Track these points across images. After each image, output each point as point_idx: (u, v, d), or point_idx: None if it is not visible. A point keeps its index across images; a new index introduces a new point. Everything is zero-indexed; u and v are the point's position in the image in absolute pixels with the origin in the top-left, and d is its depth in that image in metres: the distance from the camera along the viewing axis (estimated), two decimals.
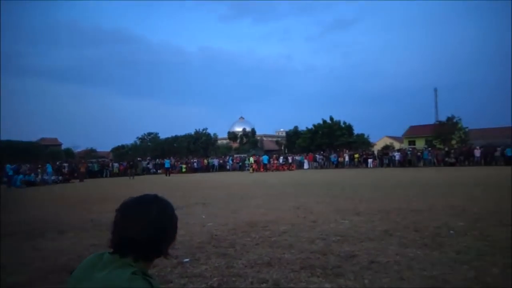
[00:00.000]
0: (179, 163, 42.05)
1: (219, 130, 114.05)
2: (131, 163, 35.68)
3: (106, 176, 35.75)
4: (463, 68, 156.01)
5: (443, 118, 48.94)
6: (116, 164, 40.25)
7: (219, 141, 72.99)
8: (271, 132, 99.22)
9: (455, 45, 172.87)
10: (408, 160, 34.37)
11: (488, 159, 31.83)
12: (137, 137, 68.89)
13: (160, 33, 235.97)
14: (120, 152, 64.60)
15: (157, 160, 44.70)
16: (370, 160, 36.37)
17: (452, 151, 34.50)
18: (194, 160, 43.16)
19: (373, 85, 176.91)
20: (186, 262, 4.62)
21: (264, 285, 3.74)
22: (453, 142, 44.68)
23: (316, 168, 38.45)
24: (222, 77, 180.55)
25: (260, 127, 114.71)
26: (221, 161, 42.83)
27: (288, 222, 7.12)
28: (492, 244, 4.95)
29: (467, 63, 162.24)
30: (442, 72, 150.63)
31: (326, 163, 39.22)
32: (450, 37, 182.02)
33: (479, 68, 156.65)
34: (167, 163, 36.31)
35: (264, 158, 37.23)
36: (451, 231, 5.79)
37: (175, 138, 66.07)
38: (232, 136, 72.27)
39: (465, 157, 33.08)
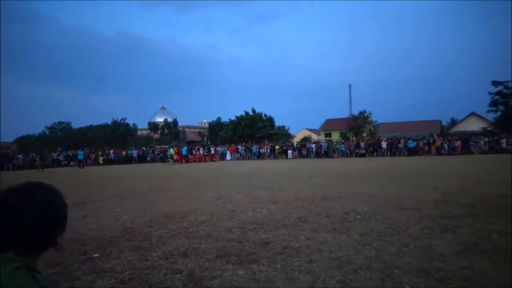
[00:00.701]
0: (93, 154, 39.50)
1: (139, 120, 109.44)
2: (38, 155, 32.65)
3: (8, 170, 32.28)
4: (374, 66, 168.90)
5: (356, 112, 52.62)
6: (20, 156, 36.58)
7: (139, 132, 70.12)
8: (194, 123, 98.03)
9: (368, 44, 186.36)
10: (324, 151, 36.38)
11: (393, 150, 35.00)
12: (46, 127, 63.42)
13: (72, 14, 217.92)
14: (25, 142, 58.81)
15: (69, 151, 41.51)
16: (289, 151, 37.80)
17: (363, 143, 37.30)
18: (111, 152, 40.92)
19: (294, 79, 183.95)
20: (96, 257, 4.37)
21: (178, 275, 3.68)
22: (364, 134, 48.34)
23: (238, 159, 38.91)
24: (142, 65, 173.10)
25: (182, 118, 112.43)
26: (140, 153, 41.17)
27: (207, 212, 7.10)
28: (391, 226, 5.45)
29: (378, 62, 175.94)
30: (356, 70, 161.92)
31: (248, 154, 39.88)
32: (363, 37, 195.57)
33: (387, 67, 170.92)
34: (80, 154, 33.90)
35: (184, 149, 36.59)
36: (358, 216, 6.26)
37: (90, 128, 61.96)
38: (153, 126, 69.82)
39: (373, 149, 35.95)
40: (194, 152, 38.47)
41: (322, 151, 36.42)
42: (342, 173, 15.61)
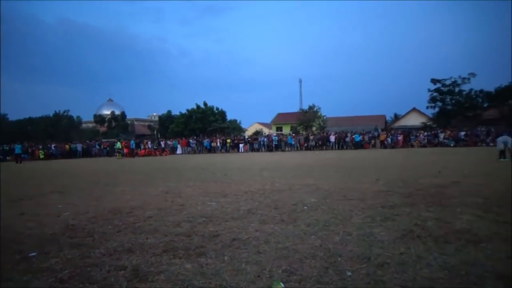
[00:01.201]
0: (33, 149, 37.07)
1: (84, 113, 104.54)
2: None
3: None
4: (323, 62, 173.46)
5: (306, 106, 53.86)
6: None
7: (84, 125, 66.89)
8: (143, 116, 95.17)
9: (318, 39, 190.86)
10: (275, 145, 36.91)
11: (341, 143, 36.27)
12: None
13: None
14: None
15: (5, 145, 38.63)
16: (241, 145, 37.94)
17: (312, 136, 38.28)
18: (53, 145, 38.65)
19: (246, 72, 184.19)
20: (33, 256, 4.12)
21: (122, 272, 3.56)
22: (314, 128, 49.67)
23: (189, 153, 38.41)
24: (87, 54, 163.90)
25: (131, 111, 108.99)
26: (85, 147, 39.27)
27: (155, 207, 6.94)
28: (336, 216, 5.66)
29: (327, 57, 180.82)
30: (307, 65, 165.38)
31: (199, 148, 39.47)
32: (313, 32, 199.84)
33: (336, 63, 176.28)
34: (17, 148, 31.60)
35: (131, 143, 35.45)
36: (305, 207, 6.42)
37: (30, 121, 58.15)
38: (99, 119, 66.84)
39: (322, 142, 37.04)
40: (143, 146, 37.42)
41: (273, 145, 36.96)
42: (292, 166, 15.93)
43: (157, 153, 36.19)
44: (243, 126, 64.13)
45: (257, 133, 54.89)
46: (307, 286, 3.07)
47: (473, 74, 46.03)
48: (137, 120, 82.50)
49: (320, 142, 36.84)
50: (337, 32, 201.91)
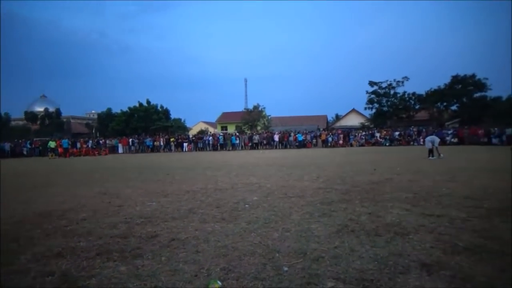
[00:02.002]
0: None
1: (13, 109, 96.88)
2: None
3: None
4: (268, 62, 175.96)
5: (251, 106, 54.28)
6: None
7: (13, 122, 61.87)
8: (80, 113, 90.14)
9: (263, 40, 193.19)
10: (220, 144, 36.80)
11: (284, 143, 37.01)
12: None
13: None
14: None
15: None
16: (185, 144, 37.34)
17: (257, 136, 38.69)
18: None
19: (190, 71, 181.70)
20: None
21: (50, 278, 3.34)
22: (259, 128, 50.22)
23: (131, 152, 37.07)
24: (18, 47, 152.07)
25: (67, 108, 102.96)
26: (13, 146, 36.36)
27: (90, 209, 6.60)
28: (277, 213, 5.75)
29: (272, 58, 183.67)
30: (252, 64, 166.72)
31: (141, 148, 38.23)
32: (259, 33, 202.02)
33: (280, 63, 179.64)
34: None
35: (64, 142, 33.38)
36: (246, 205, 6.46)
37: None
38: (31, 116, 62.16)
39: (267, 141, 37.57)
40: (80, 145, 35.47)
41: (219, 144, 36.82)
42: (236, 165, 15.96)
43: (96, 152, 34.50)
44: (187, 125, 63.22)
45: (202, 132, 54.31)
46: (244, 283, 3.08)
47: (407, 78, 49.29)
48: (73, 117, 77.92)
49: (264, 141, 37.34)
50: (282, 32, 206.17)
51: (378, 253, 3.67)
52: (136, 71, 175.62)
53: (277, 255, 3.74)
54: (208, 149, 37.16)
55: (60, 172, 15.62)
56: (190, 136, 43.17)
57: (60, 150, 31.97)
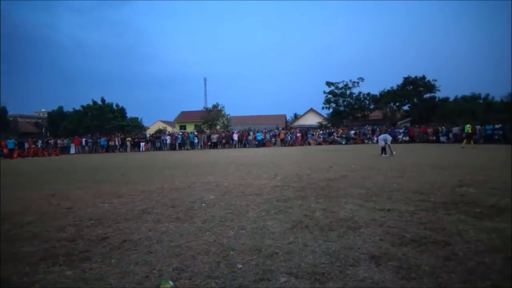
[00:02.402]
0: None
1: None
2: None
3: None
4: (228, 61, 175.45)
5: (210, 105, 53.89)
6: None
7: None
8: (29, 112, 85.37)
9: (223, 39, 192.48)
10: (179, 143, 36.24)
11: (244, 142, 37.07)
12: None
13: None
14: None
15: None
16: (142, 144, 36.40)
17: (217, 135, 38.47)
18: None
19: (148, 69, 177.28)
20: None
21: None
22: (218, 127, 49.94)
23: (84, 152, 35.60)
24: None
25: (13, 106, 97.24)
26: None
27: (37, 212, 6.24)
28: (233, 211, 5.72)
29: (231, 57, 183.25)
30: (211, 63, 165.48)
31: (95, 148, 36.82)
32: (219, 32, 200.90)
33: (240, 62, 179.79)
34: None
35: (9, 143, 31.37)
36: (203, 204, 6.38)
37: None
38: None
39: (226, 141, 37.45)
40: (27, 146, 33.55)
41: (177, 143, 36.23)
42: (194, 165, 15.77)
43: (45, 153, 32.80)
44: (145, 124, 61.75)
45: (160, 132, 53.21)
46: (197, 282, 3.03)
47: (362, 79, 50.98)
48: (21, 116, 73.70)
49: (223, 141, 37.19)
50: (242, 32, 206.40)
51: (330, 247, 3.75)
52: (91, 68, 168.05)
53: (232, 253, 3.72)
54: (166, 148, 36.45)
55: (4, 173, 14.66)
56: (148, 136, 42.12)
57: (5, 151, 30.05)
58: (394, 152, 17.12)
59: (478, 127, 30.25)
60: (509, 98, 38.45)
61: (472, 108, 42.62)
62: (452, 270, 3.07)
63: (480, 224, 4.51)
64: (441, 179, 8.62)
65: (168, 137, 38.11)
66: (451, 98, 49.41)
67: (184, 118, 62.73)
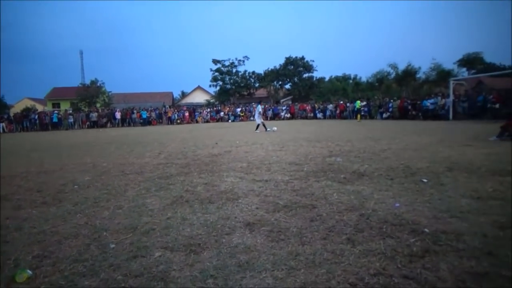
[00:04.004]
0: None
1: None
2: None
3: None
4: (105, 34, 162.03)
5: (88, 81, 49.40)
6: None
7: None
8: None
9: (99, 10, 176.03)
10: (46, 124, 32.65)
11: (127, 120, 35.16)
12: None
13: None
14: None
15: None
16: (3, 124, 31.80)
17: (95, 113, 35.64)
18: None
19: (11, 39, 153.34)
20: None
21: None
22: (98, 105, 46.21)
23: None
24: None
25: None
26: None
27: None
28: (110, 191, 5.39)
29: (109, 29, 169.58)
30: (88, 36, 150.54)
31: None
32: (93, 2, 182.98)
33: (118, 36, 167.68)
34: None
35: None
36: (76, 186, 5.87)
37: None
38: None
39: (107, 119, 35.02)
40: None
41: (50, 123, 32.58)
42: (70, 145, 14.40)
43: None
44: (7, 102, 53.88)
45: (28, 110, 47.01)
46: (62, 267, 2.78)
47: (247, 57, 52.33)
48: None
49: (105, 120, 34.71)
50: (123, 3, 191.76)
51: (208, 219, 3.80)
52: None
53: (105, 233, 3.51)
54: (35, 129, 32.47)
55: None
56: (11, 115, 36.86)
57: None
58: (275, 128, 18.20)
59: (348, 104, 33.90)
60: (373, 78, 43.63)
61: (344, 87, 47.44)
62: (316, 229, 3.39)
63: (343, 188, 5.06)
64: (314, 150, 9.43)
65: (36, 116, 33.93)
66: (327, 78, 54.11)
67: (57, 95, 56.35)
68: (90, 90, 46.04)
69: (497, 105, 22.30)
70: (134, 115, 35.36)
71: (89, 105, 45.22)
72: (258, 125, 18.41)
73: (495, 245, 2.87)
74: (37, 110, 42.06)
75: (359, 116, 28.95)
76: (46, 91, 58.16)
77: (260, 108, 19.93)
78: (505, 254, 2.69)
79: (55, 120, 33.18)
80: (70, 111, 37.80)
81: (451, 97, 24.59)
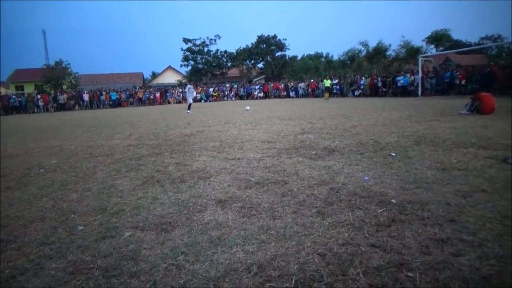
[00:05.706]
0: None
1: None
2: None
3: None
4: (71, 12, 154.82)
5: (52, 62, 47.36)
6: None
7: None
8: None
9: None
10: (11, 107, 31.32)
11: (96, 102, 34.13)
12: None
13: None
14: None
15: None
16: None
17: (63, 95, 34.36)
18: None
19: None
20: None
21: None
22: (65, 87, 44.55)
23: None
24: None
25: None
26: None
27: None
28: (78, 174, 5.25)
29: (74, 7, 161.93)
30: (52, 14, 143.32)
31: None
32: None
33: (86, 15, 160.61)
34: None
35: None
36: (41, 169, 5.69)
37: None
38: None
39: (75, 101, 33.85)
40: None
41: (13, 107, 31.23)
42: (36, 129, 13.87)
43: None
44: None
45: None
46: (27, 251, 2.70)
47: (218, 36, 51.39)
48: None
49: (72, 102, 33.55)
50: None
51: (179, 198, 3.77)
52: None
53: (73, 216, 3.42)
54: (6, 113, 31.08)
55: None
56: None
57: None
58: (248, 107, 18.18)
59: (320, 82, 34.06)
60: (345, 56, 43.96)
61: (316, 66, 47.56)
62: (287, 204, 3.42)
63: (314, 163, 5.12)
64: (287, 128, 9.48)
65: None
66: (299, 57, 53.99)
67: (20, 77, 53.77)
68: (56, 72, 44.20)
69: (463, 82, 23.02)
70: (103, 97, 34.33)
71: (55, 87, 43.50)
72: (190, 105, 18.84)
73: (458, 212, 3.00)
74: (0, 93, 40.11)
75: (326, 94, 29.14)
76: (8, 73, 55.46)
77: (191, 87, 20.27)
78: (466, 220, 2.81)
79: (13, 103, 31.65)
80: (34, 94, 36.19)
81: (420, 74, 25.16)
